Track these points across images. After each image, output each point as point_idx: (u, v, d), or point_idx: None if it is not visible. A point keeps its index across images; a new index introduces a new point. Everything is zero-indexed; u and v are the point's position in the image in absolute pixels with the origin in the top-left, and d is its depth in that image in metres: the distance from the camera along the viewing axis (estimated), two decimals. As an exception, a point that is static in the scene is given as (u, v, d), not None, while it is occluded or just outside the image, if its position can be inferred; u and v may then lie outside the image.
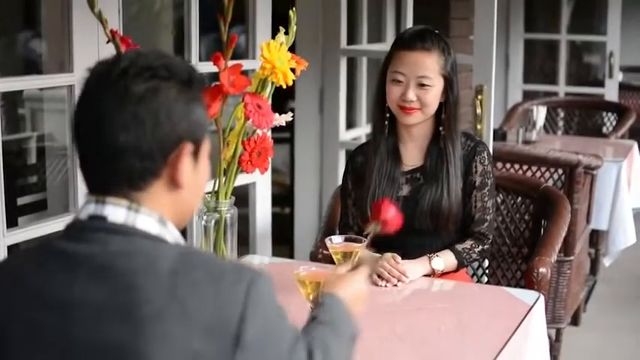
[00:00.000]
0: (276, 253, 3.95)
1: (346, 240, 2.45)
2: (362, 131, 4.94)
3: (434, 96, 2.72)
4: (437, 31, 2.79)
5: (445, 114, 2.76)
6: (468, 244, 2.79)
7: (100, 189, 1.41)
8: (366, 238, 2.35)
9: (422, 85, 2.70)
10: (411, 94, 2.70)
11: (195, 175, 1.45)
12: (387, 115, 2.79)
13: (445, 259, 2.72)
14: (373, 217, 2.32)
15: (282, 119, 2.32)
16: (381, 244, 2.65)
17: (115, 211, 1.39)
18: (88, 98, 1.41)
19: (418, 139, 2.81)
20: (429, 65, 2.71)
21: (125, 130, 1.36)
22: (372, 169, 2.79)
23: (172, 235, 1.44)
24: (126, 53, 1.44)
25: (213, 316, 1.32)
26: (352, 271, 1.91)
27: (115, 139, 1.36)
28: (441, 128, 2.77)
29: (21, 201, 3.87)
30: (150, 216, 1.41)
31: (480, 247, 2.81)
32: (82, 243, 1.38)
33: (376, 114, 2.84)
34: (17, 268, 1.43)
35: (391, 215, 2.29)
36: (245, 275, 1.38)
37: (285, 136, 5.38)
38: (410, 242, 2.72)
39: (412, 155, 2.82)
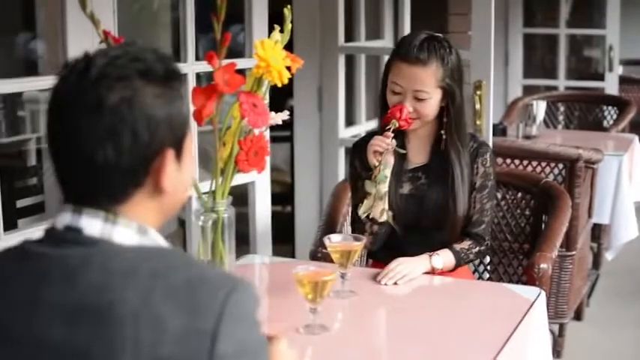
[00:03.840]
0: (279, 252, 3.93)
1: (345, 239, 2.45)
2: (362, 128, 4.91)
3: (432, 107, 2.69)
4: (439, 36, 2.73)
5: (446, 119, 2.73)
6: (466, 244, 2.77)
7: (77, 200, 1.33)
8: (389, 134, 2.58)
9: (418, 99, 2.67)
10: (408, 106, 2.66)
11: (179, 175, 1.37)
12: None
13: (444, 258, 2.71)
14: (390, 118, 2.58)
15: (278, 118, 2.29)
16: (384, 243, 2.73)
17: (91, 224, 1.31)
18: (58, 110, 1.32)
19: (422, 138, 2.79)
20: (424, 79, 2.66)
21: (102, 146, 1.28)
22: None
23: (154, 242, 1.37)
24: (95, 57, 1.32)
25: (185, 324, 1.23)
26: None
27: (91, 156, 1.28)
28: (442, 132, 2.74)
29: (20, 203, 3.86)
30: (128, 227, 1.33)
31: (478, 248, 2.78)
32: (58, 248, 1.31)
33: (381, 113, 2.79)
34: None
35: (405, 116, 2.58)
36: (225, 284, 1.28)
37: (285, 134, 5.36)
38: (411, 239, 2.71)
39: (418, 153, 2.79)
